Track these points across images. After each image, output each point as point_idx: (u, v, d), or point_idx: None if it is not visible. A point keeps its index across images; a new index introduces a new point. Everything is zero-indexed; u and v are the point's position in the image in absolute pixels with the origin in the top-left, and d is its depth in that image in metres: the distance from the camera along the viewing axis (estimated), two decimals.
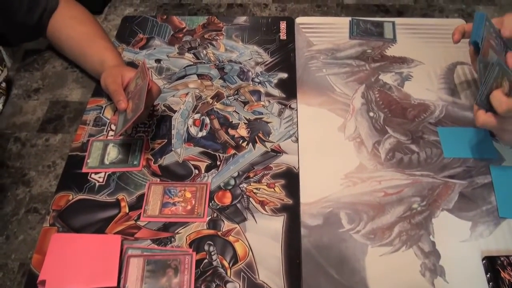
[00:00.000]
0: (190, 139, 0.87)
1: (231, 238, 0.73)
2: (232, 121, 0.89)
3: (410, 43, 1.05)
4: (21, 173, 0.82)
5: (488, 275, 0.69)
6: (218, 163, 0.83)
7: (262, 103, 0.93)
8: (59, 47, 1.00)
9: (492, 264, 0.69)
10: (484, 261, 0.70)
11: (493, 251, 0.72)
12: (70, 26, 0.96)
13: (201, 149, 0.85)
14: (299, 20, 1.11)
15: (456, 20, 1.10)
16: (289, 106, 0.92)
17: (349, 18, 1.10)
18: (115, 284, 0.66)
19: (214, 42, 1.06)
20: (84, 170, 0.82)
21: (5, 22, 0.92)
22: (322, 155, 0.84)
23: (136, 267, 0.70)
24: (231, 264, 0.71)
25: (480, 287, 0.68)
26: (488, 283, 0.68)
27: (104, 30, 0.98)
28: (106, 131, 0.87)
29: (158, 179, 0.81)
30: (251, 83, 0.97)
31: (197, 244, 0.73)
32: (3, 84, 0.94)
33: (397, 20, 1.10)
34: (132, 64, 0.99)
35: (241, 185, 0.80)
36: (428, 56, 1.01)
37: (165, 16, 1.12)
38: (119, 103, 0.79)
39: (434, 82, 0.96)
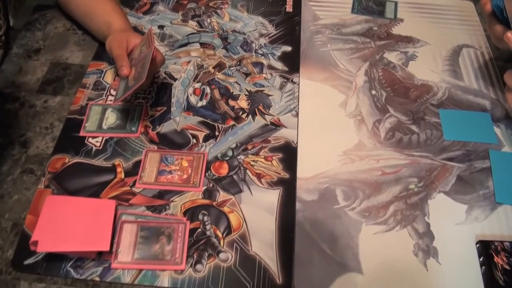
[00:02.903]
0: (189, 108, 0.86)
1: (225, 209, 0.73)
2: (233, 92, 0.89)
3: (417, 22, 1.04)
4: (18, 133, 0.81)
5: (481, 259, 0.69)
6: (217, 133, 0.82)
7: (264, 75, 0.92)
8: (65, 5, 0.98)
9: (485, 248, 0.69)
10: (478, 245, 0.70)
11: (488, 235, 0.72)
12: None
13: (200, 119, 0.84)
14: None
15: (464, 2, 1.08)
16: (291, 80, 0.91)
17: None
18: (107, 249, 0.66)
19: (218, 11, 1.05)
20: (82, 133, 0.81)
21: None
22: (321, 131, 0.84)
23: (130, 233, 0.70)
24: (224, 235, 0.71)
25: (472, 270, 0.68)
26: (481, 267, 0.68)
27: None
28: (105, 96, 0.87)
29: (156, 147, 0.80)
30: (254, 54, 0.96)
31: (191, 213, 0.73)
32: (3, 38, 0.92)
33: None
34: (134, 29, 0.97)
35: (238, 157, 0.79)
36: (434, 37, 1.00)
37: None
38: (122, 69, 0.78)
39: (438, 64, 0.95)
